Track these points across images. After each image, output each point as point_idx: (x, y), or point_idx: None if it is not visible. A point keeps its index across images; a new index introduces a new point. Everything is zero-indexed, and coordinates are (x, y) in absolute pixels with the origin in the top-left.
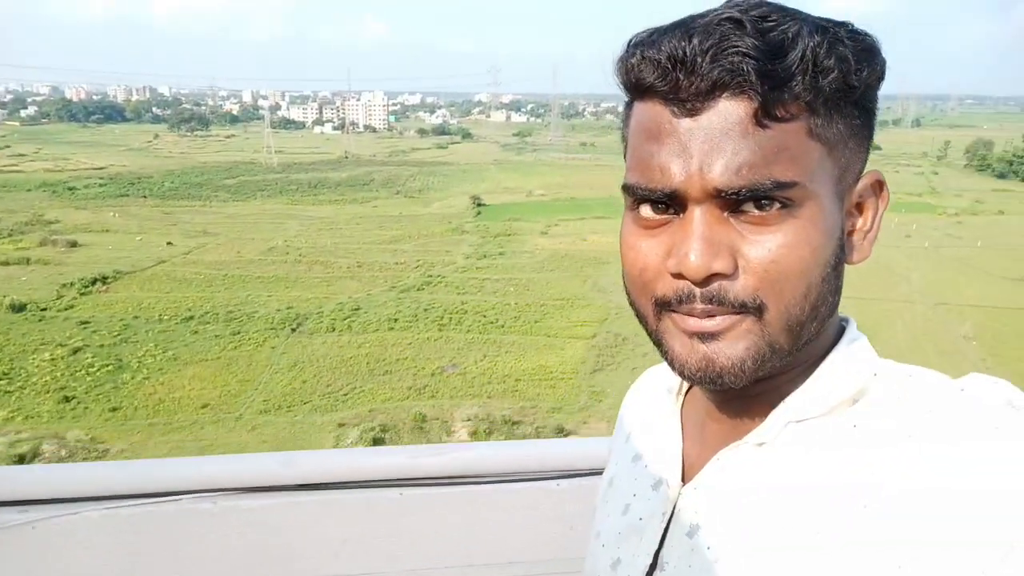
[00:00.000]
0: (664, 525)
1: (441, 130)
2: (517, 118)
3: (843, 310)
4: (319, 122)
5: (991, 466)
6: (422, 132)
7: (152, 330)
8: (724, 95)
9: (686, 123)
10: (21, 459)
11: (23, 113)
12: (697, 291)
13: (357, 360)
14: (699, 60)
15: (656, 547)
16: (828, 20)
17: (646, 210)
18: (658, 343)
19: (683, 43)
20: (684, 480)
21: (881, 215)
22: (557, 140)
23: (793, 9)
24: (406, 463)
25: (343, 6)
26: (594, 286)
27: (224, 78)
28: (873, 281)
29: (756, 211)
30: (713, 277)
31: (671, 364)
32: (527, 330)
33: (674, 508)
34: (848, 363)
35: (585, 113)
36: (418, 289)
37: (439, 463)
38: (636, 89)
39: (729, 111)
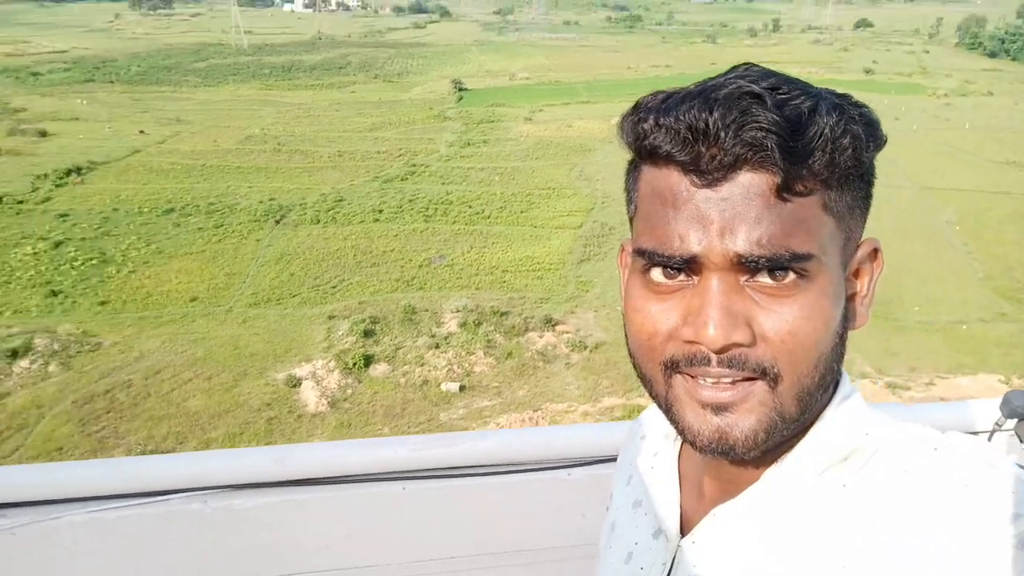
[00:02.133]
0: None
1: (418, 7)
2: None
3: None
4: None
5: (954, 527)
6: (398, 10)
7: (133, 223)
8: (745, 168)
9: (705, 192)
10: (15, 353)
11: None
12: (713, 357)
13: (344, 252)
14: (721, 134)
15: None
16: (835, 94)
17: (657, 274)
18: (667, 410)
19: (704, 114)
20: (683, 531)
21: (876, 280)
22: (540, 18)
23: (799, 80)
24: (408, 456)
25: None
26: (580, 175)
27: None
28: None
29: (771, 281)
30: (731, 346)
31: (682, 433)
32: (513, 220)
33: (674, 560)
34: (842, 423)
35: None
36: (402, 179)
37: (443, 455)
38: (650, 155)
39: (750, 183)
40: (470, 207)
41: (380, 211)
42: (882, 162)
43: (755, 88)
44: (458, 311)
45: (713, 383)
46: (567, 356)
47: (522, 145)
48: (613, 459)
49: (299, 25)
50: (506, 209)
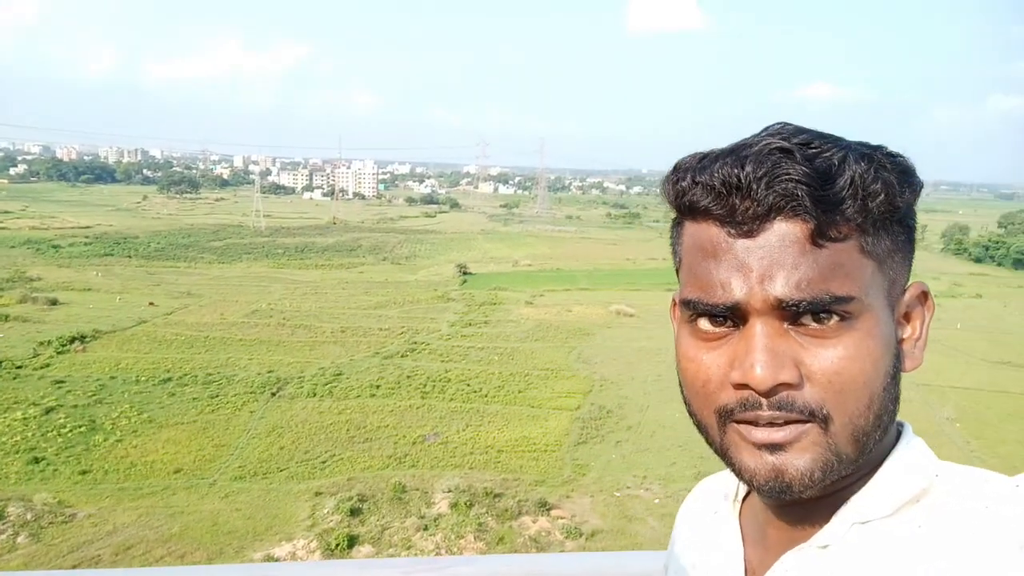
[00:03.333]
0: None
1: (429, 199)
2: (504, 190)
3: None
4: (309, 188)
5: None
6: (410, 201)
7: (128, 391)
8: (779, 218)
9: (743, 242)
10: None
11: (12, 171)
12: (763, 400)
13: (337, 426)
14: (754, 186)
15: None
16: (866, 145)
17: (705, 323)
18: (724, 455)
19: (736, 170)
20: None
21: (928, 323)
22: (544, 212)
23: (832, 135)
24: None
25: (336, 77)
26: (579, 357)
27: (217, 143)
28: None
29: (815, 324)
30: (779, 387)
31: (740, 475)
32: (511, 400)
33: None
34: (909, 465)
35: (571, 187)
36: (402, 356)
37: None
38: (690, 211)
39: (785, 232)
40: (468, 385)
41: (377, 386)
42: None
43: (785, 144)
44: (449, 491)
45: (766, 424)
46: (561, 543)
47: (522, 327)
48: None
49: (316, 211)
50: (504, 388)
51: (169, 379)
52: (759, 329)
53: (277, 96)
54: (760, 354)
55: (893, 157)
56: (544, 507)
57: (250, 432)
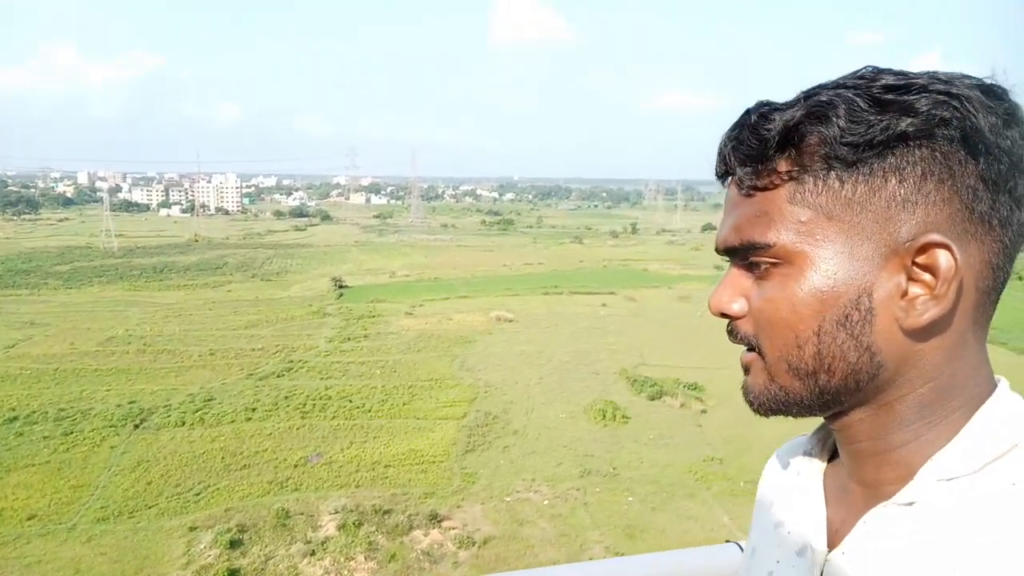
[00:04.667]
0: None
1: (299, 212)
2: (377, 200)
3: (700, 377)
4: (165, 204)
5: None
6: (279, 214)
7: None
8: (731, 176)
9: (726, 195)
10: None
11: None
12: (727, 326)
13: (211, 455)
14: (723, 150)
15: None
16: (849, 85)
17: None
18: None
19: (723, 136)
20: (830, 546)
21: (953, 280)
22: (418, 222)
23: (835, 86)
24: None
25: (194, 87)
26: (462, 365)
27: (58, 159)
28: (723, 350)
29: (759, 268)
30: (729, 317)
31: None
32: (395, 413)
33: (821, 574)
34: (999, 420)
35: (444, 195)
36: (278, 376)
37: None
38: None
39: (733, 187)
40: (350, 401)
41: (253, 409)
42: (739, 346)
43: (755, 106)
44: (336, 512)
45: (746, 348)
46: (455, 554)
47: (403, 338)
48: None
49: (175, 228)
50: (387, 402)
51: (15, 418)
52: (730, 266)
53: (126, 108)
54: (718, 287)
55: (881, 94)
56: (435, 519)
57: (112, 469)
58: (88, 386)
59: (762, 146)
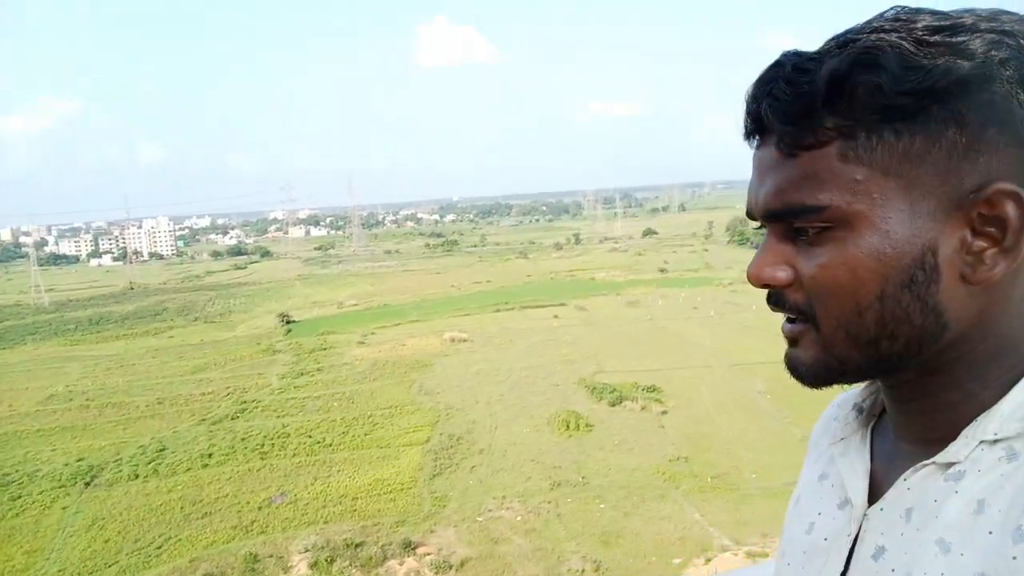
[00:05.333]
0: (849, 546)
1: (237, 251)
2: (317, 232)
3: (657, 379)
4: (95, 254)
5: None
6: (216, 255)
7: None
8: (767, 132)
9: (757, 155)
10: None
11: None
12: (769, 296)
13: (169, 506)
14: (752, 105)
15: (841, 568)
16: (895, 26)
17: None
18: None
19: (751, 89)
20: (872, 501)
21: (1023, 230)
22: (361, 250)
23: (866, 29)
24: None
25: (113, 132)
26: (420, 389)
27: None
28: (676, 350)
29: (806, 233)
30: (772, 286)
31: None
32: (358, 444)
33: (860, 529)
34: None
35: (385, 221)
36: (232, 418)
37: None
38: None
39: (768, 146)
40: (310, 437)
41: (209, 455)
42: (691, 346)
43: (782, 57)
44: (307, 551)
45: (790, 320)
46: None
47: (358, 368)
48: None
49: (108, 278)
50: (348, 434)
51: None
52: (768, 233)
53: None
54: (758, 254)
55: (927, 36)
56: (409, 547)
57: (66, 531)
58: (32, 447)
59: (806, 101)
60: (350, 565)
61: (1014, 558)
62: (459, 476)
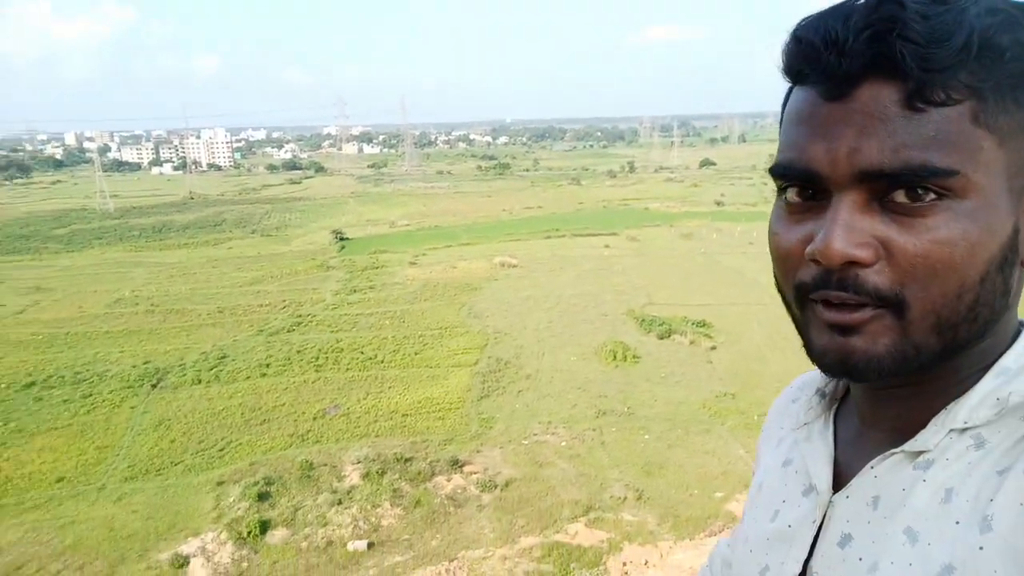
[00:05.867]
0: (814, 533)
1: (292, 165)
2: (370, 150)
3: (708, 314)
4: (156, 162)
5: None
6: (272, 168)
7: None
8: (877, 78)
9: (836, 106)
10: None
11: None
12: (833, 277)
13: (230, 411)
14: (851, 40)
15: (806, 555)
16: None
17: (792, 195)
18: (801, 333)
19: (837, 24)
20: (836, 488)
21: None
22: (414, 170)
23: None
24: None
25: (172, 41)
26: (470, 312)
27: (41, 121)
28: (729, 286)
29: (908, 201)
30: (851, 265)
31: (810, 355)
32: (408, 363)
33: (825, 516)
34: (1022, 370)
35: (438, 142)
36: (288, 331)
37: None
38: (791, 73)
39: (880, 94)
40: (362, 353)
41: (267, 365)
42: (746, 282)
43: None
44: (359, 462)
45: (840, 305)
46: (478, 498)
47: (409, 288)
48: None
49: (169, 187)
50: (399, 352)
51: (32, 383)
52: (842, 201)
53: (104, 66)
54: (836, 227)
55: None
56: (456, 465)
57: (135, 429)
58: (101, 348)
59: (949, 50)
60: (399, 478)
61: (981, 548)
62: (506, 399)
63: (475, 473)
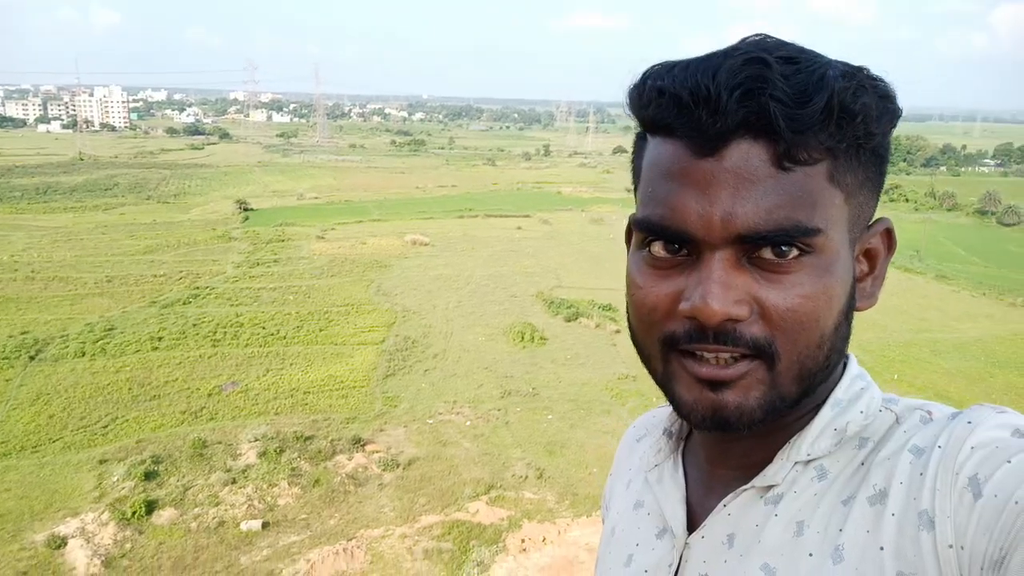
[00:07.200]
0: None
1: (194, 130)
2: (279, 118)
3: (613, 298)
4: (44, 120)
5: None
6: (172, 132)
7: None
8: (747, 136)
9: (708, 164)
10: None
11: None
12: (709, 332)
13: (116, 386)
14: (724, 98)
15: None
16: (848, 65)
17: (658, 249)
18: (664, 386)
19: (707, 80)
20: (691, 528)
21: (887, 262)
22: (325, 142)
23: (813, 51)
24: None
25: None
26: (378, 290)
27: None
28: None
29: (774, 257)
30: (728, 321)
31: (678, 410)
32: (312, 340)
33: (681, 559)
34: (852, 400)
35: (352, 114)
36: (184, 303)
37: None
38: (653, 125)
39: (751, 153)
40: (263, 328)
41: (159, 338)
42: None
43: (762, 55)
44: (256, 440)
45: (712, 359)
46: (379, 476)
47: (316, 263)
48: None
49: (57, 146)
50: (303, 328)
51: None
52: (715, 259)
53: None
54: (713, 285)
55: (875, 80)
56: (358, 443)
57: (9, 403)
58: None
59: (814, 112)
60: (298, 457)
61: None
62: (412, 378)
63: (377, 452)
